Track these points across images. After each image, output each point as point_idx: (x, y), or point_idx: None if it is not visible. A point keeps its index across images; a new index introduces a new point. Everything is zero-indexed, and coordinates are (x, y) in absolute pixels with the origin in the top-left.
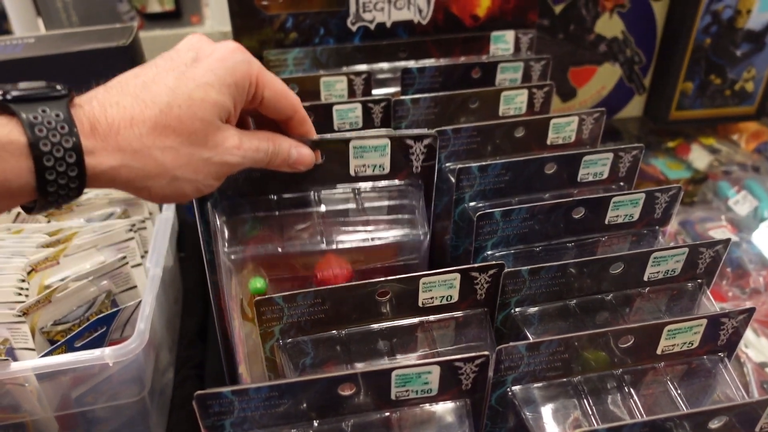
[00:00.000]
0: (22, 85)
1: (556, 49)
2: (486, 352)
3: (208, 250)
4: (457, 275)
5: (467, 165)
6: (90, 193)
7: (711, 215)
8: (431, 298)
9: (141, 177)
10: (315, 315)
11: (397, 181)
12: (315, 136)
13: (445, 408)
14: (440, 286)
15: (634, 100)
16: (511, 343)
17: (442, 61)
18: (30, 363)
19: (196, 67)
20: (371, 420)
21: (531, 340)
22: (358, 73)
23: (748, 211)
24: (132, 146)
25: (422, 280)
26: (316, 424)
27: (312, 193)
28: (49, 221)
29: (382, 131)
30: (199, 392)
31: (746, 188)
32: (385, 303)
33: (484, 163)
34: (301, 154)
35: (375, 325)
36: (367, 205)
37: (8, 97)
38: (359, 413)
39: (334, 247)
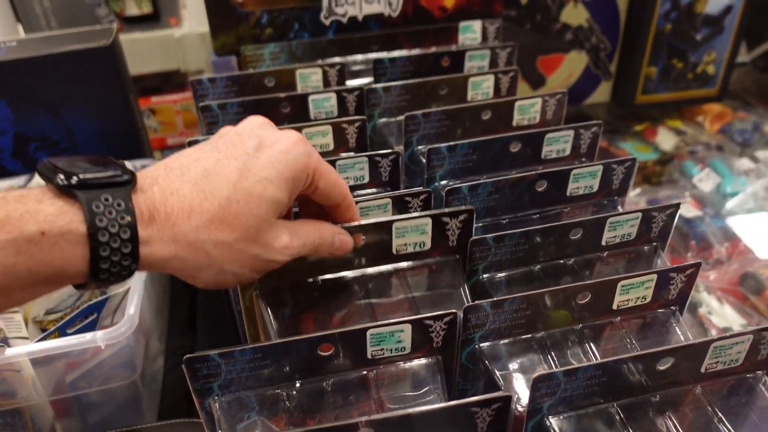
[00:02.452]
0: (85, 164)
1: (524, 39)
2: (454, 310)
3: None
4: (429, 220)
5: (437, 146)
6: None
7: (677, 193)
8: (405, 244)
9: (191, 267)
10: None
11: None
12: (359, 221)
13: (418, 365)
14: (413, 232)
15: (602, 86)
16: (477, 302)
17: (413, 52)
18: (24, 348)
19: (258, 158)
20: (350, 379)
21: (495, 298)
22: (332, 65)
23: (711, 187)
24: (187, 238)
25: (395, 224)
26: (298, 384)
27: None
28: None
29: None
30: (188, 356)
31: (710, 166)
32: (360, 254)
33: (452, 144)
34: (343, 242)
35: (350, 273)
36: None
37: (72, 181)
38: (338, 372)
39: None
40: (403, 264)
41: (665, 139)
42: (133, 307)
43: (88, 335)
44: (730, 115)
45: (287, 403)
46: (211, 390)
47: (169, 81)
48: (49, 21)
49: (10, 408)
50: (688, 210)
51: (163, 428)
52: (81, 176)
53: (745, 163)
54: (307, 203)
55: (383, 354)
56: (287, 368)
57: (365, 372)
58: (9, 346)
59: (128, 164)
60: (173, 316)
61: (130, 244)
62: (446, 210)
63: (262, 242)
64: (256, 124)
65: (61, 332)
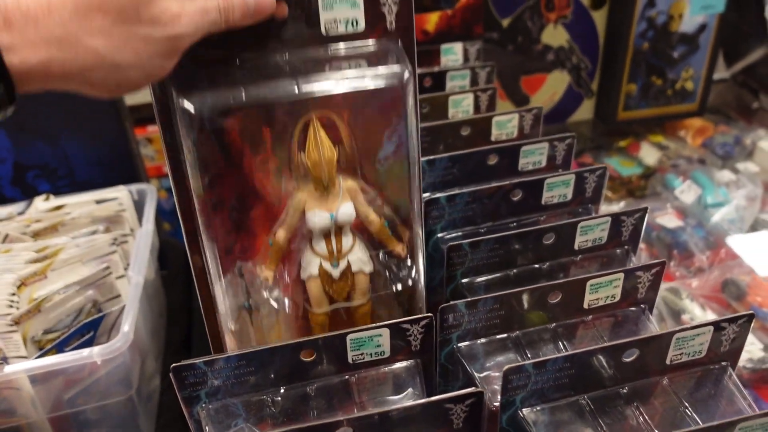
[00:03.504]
0: None
1: (507, 60)
2: (430, 314)
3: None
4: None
5: None
6: (74, 213)
7: (659, 205)
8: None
9: (77, 69)
10: None
11: (372, 40)
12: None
13: (398, 368)
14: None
15: (585, 104)
16: (452, 302)
17: None
18: (23, 365)
19: None
20: (332, 383)
21: (469, 299)
22: None
23: (693, 199)
24: (55, 34)
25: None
26: (282, 390)
27: (279, 55)
28: (35, 240)
29: None
30: (174, 365)
31: (692, 178)
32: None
33: (432, 158)
34: (259, 1)
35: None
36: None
37: None
38: (321, 377)
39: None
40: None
41: (648, 154)
42: (127, 324)
43: (85, 351)
44: (711, 130)
45: (272, 408)
46: (198, 398)
47: None
48: None
49: (10, 426)
50: (670, 220)
51: None
52: None
53: (726, 174)
54: None
55: (363, 358)
56: (272, 375)
57: (347, 376)
58: (8, 365)
59: (122, 190)
60: (170, 336)
61: None
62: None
63: (147, 19)
64: None
65: (59, 350)
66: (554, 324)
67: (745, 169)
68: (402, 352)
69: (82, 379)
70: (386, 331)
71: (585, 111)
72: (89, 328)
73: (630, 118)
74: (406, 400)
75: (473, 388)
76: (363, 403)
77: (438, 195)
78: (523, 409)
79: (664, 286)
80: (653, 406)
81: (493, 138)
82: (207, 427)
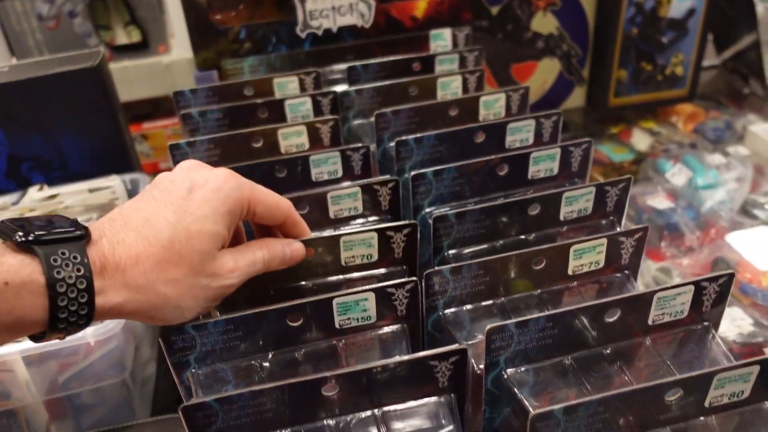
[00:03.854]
0: (42, 222)
1: (497, 48)
2: (414, 278)
3: None
4: (375, 234)
5: (405, 138)
6: (67, 201)
7: (651, 189)
8: (353, 257)
9: (146, 309)
10: None
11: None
12: (309, 235)
13: (385, 334)
14: (360, 245)
15: (576, 92)
16: (437, 267)
17: (386, 59)
18: (17, 346)
19: (191, 199)
20: (320, 348)
21: (454, 264)
22: (308, 73)
23: (683, 181)
24: (137, 282)
25: (343, 239)
26: (270, 355)
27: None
28: None
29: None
30: (163, 329)
31: (683, 162)
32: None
33: (419, 135)
34: (294, 250)
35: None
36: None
37: (30, 237)
38: (309, 343)
39: None
40: (354, 275)
41: (640, 140)
42: None
43: (78, 332)
44: (702, 115)
45: (261, 374)
46: (188, 363)
47: (159, 107)
48: (42, 53)
49: (5, 409)
50: (661, 202)
51: (153, 424)
52: (36, 233)
53: (716, 158)
54: (259, 227)
55: (350, 323)
56: (260, 341)
57: (334, 342)
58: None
59: (115, 179)
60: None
61: (86, 293)
62: (391, 224)
63: (209, 272)
64: (186, 168)
65: None
66: (539, 290)
67: (736, 153)
68: (388, 317)
69: (76, 362)
70: (372, 296)
71: (576, 98)
72: None
73: (621, 105)
74: None
75: (456, 345)
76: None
77: (424, 170)
78: (508, 370)
79: (655, 265)
80: (637, 367)
81: (481, 118)
82: (197, 393)
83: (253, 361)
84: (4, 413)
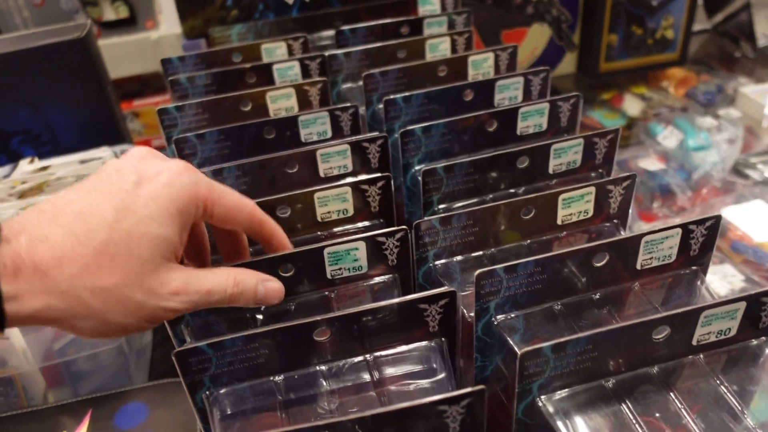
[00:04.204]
0: None
1: (486, 14)
2: (404, 227)
3: None
4: (363, 243)
5: (393, 97)
6: (58, 173)
7: (643, 152)
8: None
9: (67, 317)
10: None
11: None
12: (280, 234)
13: (376, 284)
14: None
15: (567, 58)
16: (426, 218)
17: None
18: None
19: (137, 194)
20: (312, 299)
21: (443, 215)
22: (296, 38)
23: (675, 143)
24: (60, 287)
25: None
26: (263, 306)
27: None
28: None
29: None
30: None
31: (674, 125)
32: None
33: (407, 94)
34: (269, 289)
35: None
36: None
37: None
38: (301, 294)
39: None
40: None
41: (631, 106)
42: None
43: None
44: (694, 80)
45: (253, 325)
46: (183, 317)
47: (149, 85)
48: (26, 21)
49: (2, 377)
50: (652, 164)
51: (148, 389)
52: None
53: (708, 120)
54: (220, 234)
55: (342, 273)
56: None
57: (326, 293)
58: None
59: (106, 150)
60: None
61: None
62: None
63: (146, 288)
64: (137, 156)
65: None
66: (529, 240)
67: (727, 115)
68: (379, 267)
69: None
70: (362, 245)
71: (567, 65)
72: None
73: (612, 70)
74: None
75: (446, 287)
76: None
77: (413, 127)
78: (498, 317)
79: (647, 226)
80: (626, 312)
81: (469, 78)
82: (188, 337)
83: (246, 313)
84: (1, 381)
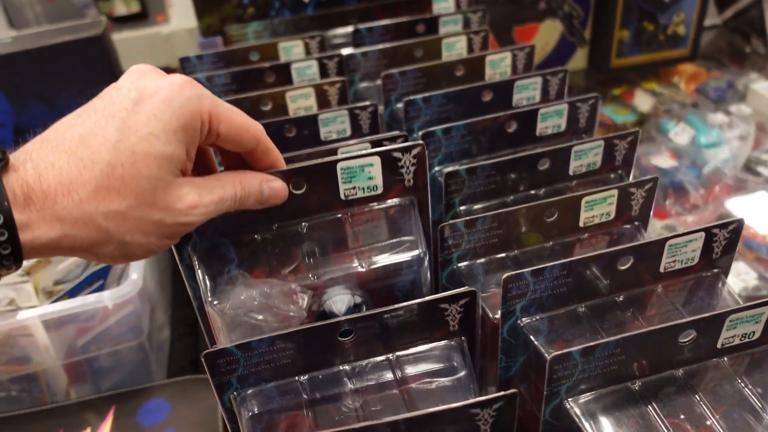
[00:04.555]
0: None
1: (499, 10)
2: (420, 142)
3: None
4: (378, 158)
5: (413, 98)
6: None
7: (654, 148)
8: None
9: (85, 245)
10: None
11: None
12: (284, 166)
13: (392, 207)
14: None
15: (578, 53)
16: (451, 221)
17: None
18: (37, 311)
19: (138, 112)
20: (325, 221)
21: (468, 218)
22: (313, 36)
23: (686, 140)
24: (72, 215)
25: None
26: (275, 226)
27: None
28: None
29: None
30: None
31: (685, 121)
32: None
33: (427, 95)
34: (273, 189)
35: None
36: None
37: None
38: (314, 215)
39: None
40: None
41: (642, 101)
42: (136, 272)
43: (96, 295)
44: (704, 75)
45: (263, 247)
46: (189, 238)
47: None
48: (41, 25)
49: (26, 373)
50: (665, 161)
51: (170, 386)
52: None
53: (719, 117)
54: (227, 155)
55: (356, 194)
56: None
57: (340, 215)
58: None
59: None
60: (176, 291)
61: (5, 230)
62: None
63: (163, 205)
64: (137, 73)
65: (71, 298)
66: (551, 242)
67: (738, 111)
68: (395, 188)
69: (94, 326)
70: (377, 160)
71: (578, 60)
72: (98, 277)
73: (623, 65)
74: (402, 247)
75: (466, 287)
76: (359, 252)
77: (433, 128)
78: (523, 319)
79: (660, 223)
80: (649, 313)
81: (487, 78)
82: (201, 272)
83: (256, 235)
84: (25, 377)
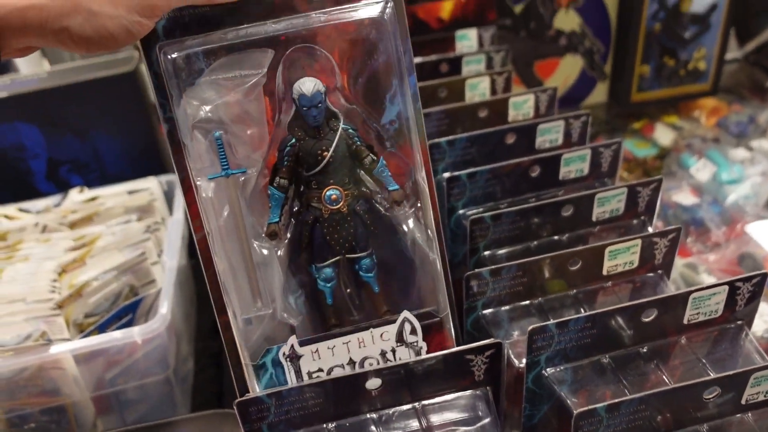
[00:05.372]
0: None
1: (520, 46)
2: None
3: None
4: None
5: (437, 140)
6: (108, 203)
7: (675, 184)
8: None
9: (53, 16)
10: None
11: None
12: None
13: None
14: None
15: (598, 87)
16: (476, 270)
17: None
18: (68, 345)
19: None
20: None
21: (493, 266)
22: None
23: (708, 176)
24: None
25: None
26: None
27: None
28: (72, 230)
29: None
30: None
31: (707, 157)
32: None
33: (451, 138)
34: None
35: None
36: None
37: None
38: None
39: None
40: None
41: (663, 135)
42: (165, 306)
43: (126, 330)
44: (725, 109)
45: None
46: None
47: None
48: (74, 56)
49: (56, 405)
50: (686, 198)
51: (196, 419)
52: None
53: (740, 152)
54: None
55: None
56: None
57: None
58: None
59: (152, 181)
60: (200, 321)
61: None
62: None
63: None
64: None
65: (100, 332)
66: (575, 290)
67: (760, 147)
68: None
69: (122, 359)
70: None
71: (599, 94)
72: (127, 311)
73: (644, 100)
74: None
75: (492, 339)
76: None
77: (459, 173)
78: (548, 369)
79: (681, 261)
80: (673, 365)
81: (510, 119)
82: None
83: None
84: (54, 409)
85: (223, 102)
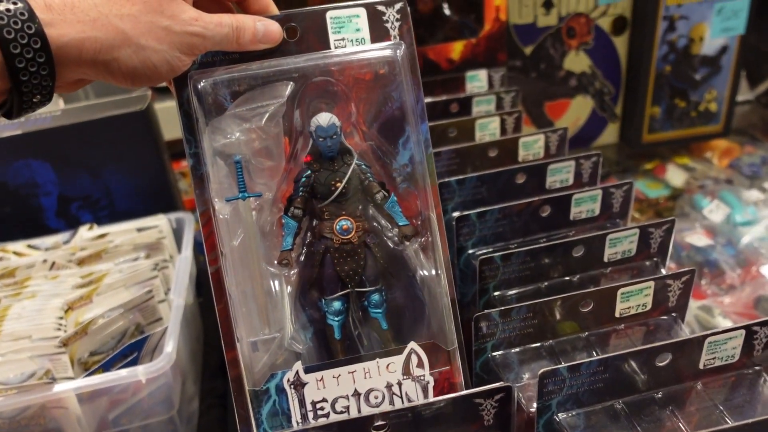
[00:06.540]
0: None
1: (531, 87)
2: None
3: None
4: None
5: (447, 180)
6: (116, 241)
7: (688, 225)
8: None
9: (106, 48)
10: None
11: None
12: (276, 12)
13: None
14: None
15: (609, 128)
16: (486, 311)
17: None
18: (71, 384)
19: None
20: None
21: (503, 308)
22: None
23: (721, 218)
24: (89, 16)
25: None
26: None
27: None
28: (80, 267)
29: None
30: None
31: (720, 198)
32: None
33: (461, 177)
34: (267, 27)
35: None
36: None
37: None
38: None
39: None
40: None
41: (675, 176)
42: (170, 345)
43: (130, 369)
44: (737, 151)
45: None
46: None
47: None
48: (87, 92)
49: None
50: (699, 239)
51: None
52: None
53: (754, 193)
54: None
55: (344, 44)
56: None
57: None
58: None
59: (162, 218)
60: (207, 360)
61: (32, 24)
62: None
63: (169, 14)
64: None
65: (105, 370)
66: (587, 333)
67: None
68: (384, 39)
69: (126, 398)
70: (363, 11)
71: (609, 135)
72: (133, 350)
73: (655, 141)
74: None
75: (502, 383)
76: None
77: (468, 212)
78: (559, 414)
79: (696, 304)
80: (689, 411)
81: (520, 159)
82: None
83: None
84: None
85: (245, 132)
